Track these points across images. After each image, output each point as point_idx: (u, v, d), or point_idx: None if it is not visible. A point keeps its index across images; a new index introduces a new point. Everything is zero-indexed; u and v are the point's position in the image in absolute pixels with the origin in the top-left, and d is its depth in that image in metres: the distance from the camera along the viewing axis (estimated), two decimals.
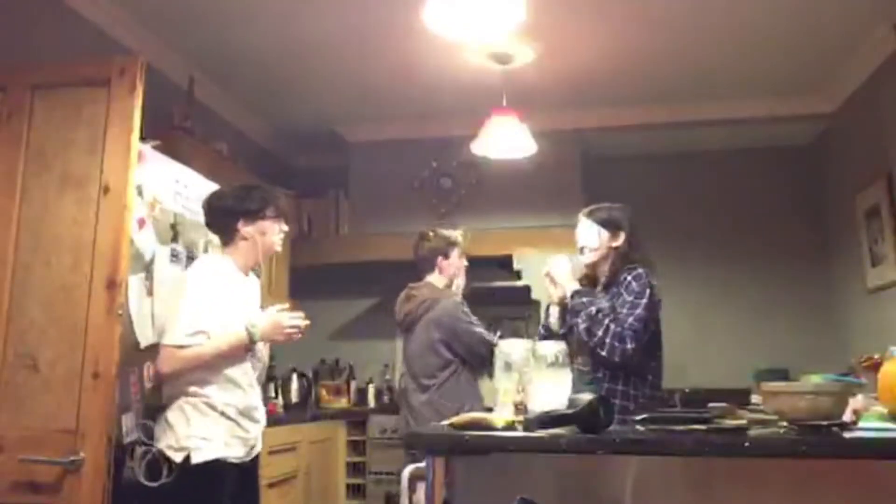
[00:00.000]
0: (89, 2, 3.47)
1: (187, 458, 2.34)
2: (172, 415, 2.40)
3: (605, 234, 2.68)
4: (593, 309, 2.52)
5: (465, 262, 3.56)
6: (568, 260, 2.74)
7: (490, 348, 3.18)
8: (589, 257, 2.71)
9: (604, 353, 2.48)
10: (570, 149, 5.07)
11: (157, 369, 2.43)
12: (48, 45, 3.13)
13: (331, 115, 5.05)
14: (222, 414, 2.42)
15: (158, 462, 2.35)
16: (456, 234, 3.54)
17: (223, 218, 2.55)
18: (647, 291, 2.51)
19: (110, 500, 2.23)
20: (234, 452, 2.44)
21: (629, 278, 2.57)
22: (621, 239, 2.66)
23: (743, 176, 5.31)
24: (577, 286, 2.66)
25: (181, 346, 2.37)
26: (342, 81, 4.53)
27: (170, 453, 2.35)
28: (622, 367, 2.53)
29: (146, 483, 2.33)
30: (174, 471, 2.34)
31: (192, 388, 2.40)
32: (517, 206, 5.03)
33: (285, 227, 2.63)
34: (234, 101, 4.79)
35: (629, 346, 2.45)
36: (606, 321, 2.49)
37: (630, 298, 2.52)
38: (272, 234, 2.57)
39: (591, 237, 2.70)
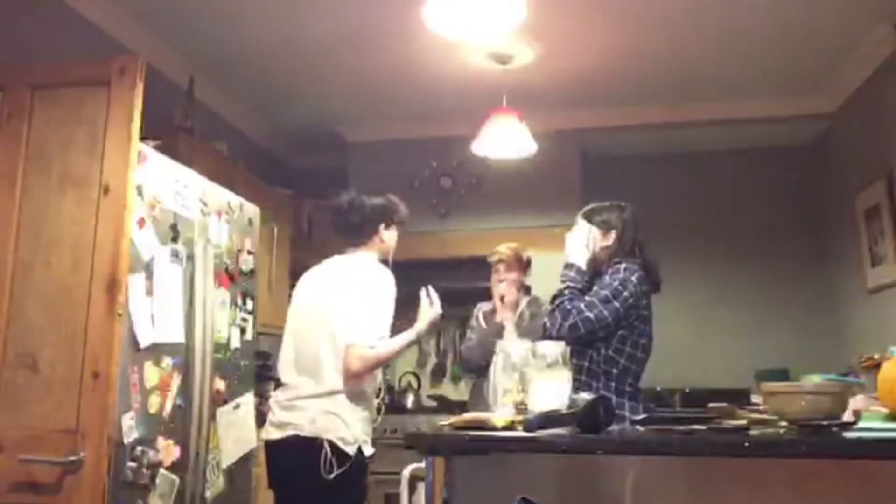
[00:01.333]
0: (89, 2, 3.47)
1: (359, 450, 2.55)
2: (342, 409, 2.56)
3: (597, 234, 2.69)
4: (564, 286, 2.57)
5: (498, 275, 3.59)
6: (588, 230, 2.71)
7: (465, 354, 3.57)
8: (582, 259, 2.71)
9: (548, 324, 2.53)
10: (570, 149, 5.07)
11: (346, 367, 2.58)
12: (48, 45, 3.13)
13: (331, 115, 5.05)
14: (369, 409, 2.68)
15: (328, 455, 2.50)
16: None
17: (371, 220, 2.84)
18: (616, 286, 2.51)
19: (110, 500, 2.23)
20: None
21: (608, 273, 2.59)
22: (611, 239, 2.68)
23: (743, 176, 5.31)
24: (578, 259, 2.65)
25: (371, 347, 2.58)
26: (342, 81, 4.53)
27: (343, 446, 2.51)
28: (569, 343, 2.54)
29: (325, 476, 2.47)
30: (345, 463, 2.49)
31: (360, 389, 2.63)
32: (517, 206, 5.03)
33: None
34: (234, 101, 4.79)
35: (565, 323, 2.47)
36: (564, 297, 2.52)
37: (596, 289, 2.54)
38: (396, 238, 2.91)
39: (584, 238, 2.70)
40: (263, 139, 5.32)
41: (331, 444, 2.49)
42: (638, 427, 1.83)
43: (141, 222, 2.52)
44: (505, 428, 1.83)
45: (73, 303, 2.31)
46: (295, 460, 2.54)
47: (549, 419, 1.79)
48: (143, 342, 2.51)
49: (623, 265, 2.57)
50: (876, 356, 2.29)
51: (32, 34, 3.10)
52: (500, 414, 1.94)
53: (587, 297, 2.51)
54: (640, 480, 1.88)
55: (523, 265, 3.63)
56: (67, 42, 3.28)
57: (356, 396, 2.60)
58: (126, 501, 2.35)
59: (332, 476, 2.45)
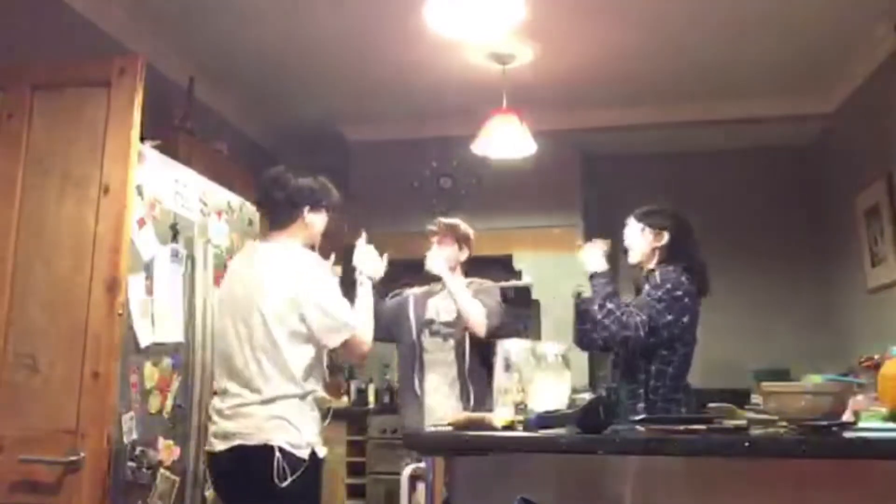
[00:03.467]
0: (89, 2, 3.47)
1: (312, 453, 2.35)
2: (290, 412, 2.34)
3: (648, 234, 2.71)
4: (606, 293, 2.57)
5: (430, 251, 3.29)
6: (640, 230, 2.76)
7: None
8: (632, 257, 2.76)
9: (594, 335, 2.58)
10: (570, 149, 5.07)
11: (360, 352, 2.52)
12: (48, 45, 3.12)
13: (331, 115, 5.05)
14: (319, 409, 2.45)
15: (279, 460, 2.29)
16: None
17: (294, 200, 2.53)
18: (666, 289, 2.54)
19: (110, 500, 2.23)
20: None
21: (657, 274, 2.61)
22: (664, 239, 2.70)
23: (743, 176, 5.30)
24: (597, 266, 2.65)
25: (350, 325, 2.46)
26: (342, 81, 4.53)
27: (294, 450, 2.31)
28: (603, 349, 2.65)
29: (279, 484, 2.25)
30: (299, 467, 2.29)
31: (307, 386, 2.40)
32: (517, 206, 5.03)
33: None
34: (234, 101, 4.79)
35: (618, 332, 2.48)
36: (608, 305, 2.53)
37: (646, 291, 2.58)
38: (323, 225, 2.62)
39: (635, 238, 2.74)
40: (263, 139, 5.32)
41: (281, 450, 2.28)
42: (638, 427, 1.83)
43: (141, 222, 2.52)
44: (505, 428, 1.83)
45: (73, 303, 2.31)
46: (245, 471, 2.31)
47: (549, 419, 1.79)
48: (143, 342, 2.51)
49: (671, 267, 2.61)
50: (876, 356, 2.29)
51: (32, 34, 3.10)
52: (500, 414, 1.94)
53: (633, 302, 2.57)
54: (640, 480, 1.88)
55: (460, 240, 3.26)
56: (67, 42, 3.28)
57: (302, 398, 2.38)
58: (126, 501, 2.35)
59: (286, 483, 2.26)
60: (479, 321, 3.06)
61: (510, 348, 2.16)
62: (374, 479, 4.69)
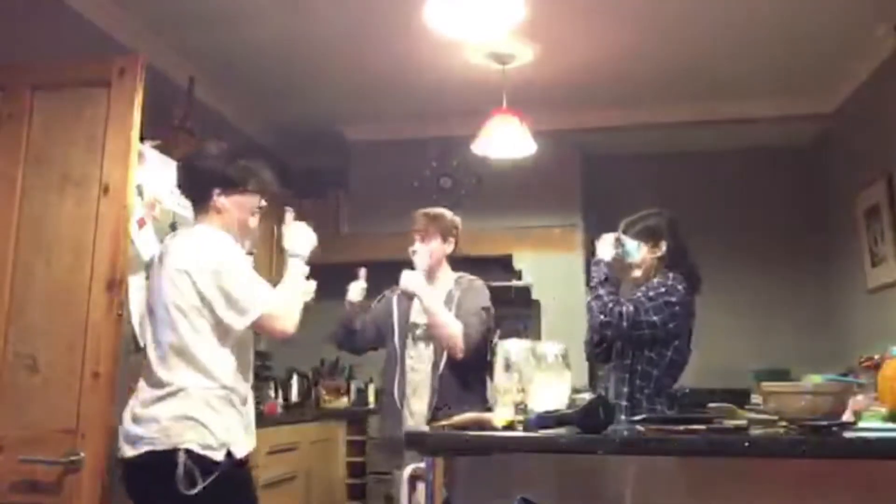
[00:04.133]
0: (89, 2, 3.47)
1: (228, 453, 2.11)
2: (199, 410, 2.09)
3: (644, 247, 2.66)
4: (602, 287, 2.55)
5: (412, 246, 3.14)
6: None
7: None
8: (636, 274, 2.69)
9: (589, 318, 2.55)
10: (570, 149, 5.08)
11: (282, 334, 2.24)
12: (48, 45, 3.13)
13: (331, 115, 5.05)
14: (235, 405, 2.19)
15: (187, 465, 2.04)
16: None
17: (201, 182, 2.29)
18: (659, 292, 2.50)
19: (110, 500, 2.23)
20: (253, 444, 2.28)
21: (655, 281, 2.58)
22: (662, 248, 2.66)
23: (743, 176, 5.30)
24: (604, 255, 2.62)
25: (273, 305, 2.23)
26: (342, 81, 4.53)
27: (207, 452, 2.06)
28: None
29: (185, 492, 2.01)
30: (214, 471, 2.05)
31: (215, 378, 2.15)
32: (517, 206, 5.03)
33: (263, 203, 2.38)
34: (234, 101, 4.79)
35: (598, 318, 2.46)
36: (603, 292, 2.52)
37: (641, 292, 2.54)
38: (242, 211, 2.32)
39: (634, 255, 2.66)
40: (263, 139, 5.32)
41: (189, 452, 2.04)
42: (638, 427, 1.83)
43: (141, 222, 2.52)
44: (505, 428, 1.83)
45: (73, 303, 2.31)
46: (154, 481, 2.08)
47: (550, 419, 1.79)
48: (144, 342, 2.50)
49: (670, 274, 2.58)
50: (876, 356, 2.29)
51: (32, 34, 3.10)
52: (500, 414, 1.94)
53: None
54: (640, 480, 1.88)
55: (445, 232, 3.08)
56: (67, 42, 3.27)
57: (217, 395, 2.14)
58: (126, 501, 2.35)
59: (195, 491, 2.01)
60: (456, 345, 2.89)
61: (510, 348, 2.16)
62: (374, 479, 4.69)
